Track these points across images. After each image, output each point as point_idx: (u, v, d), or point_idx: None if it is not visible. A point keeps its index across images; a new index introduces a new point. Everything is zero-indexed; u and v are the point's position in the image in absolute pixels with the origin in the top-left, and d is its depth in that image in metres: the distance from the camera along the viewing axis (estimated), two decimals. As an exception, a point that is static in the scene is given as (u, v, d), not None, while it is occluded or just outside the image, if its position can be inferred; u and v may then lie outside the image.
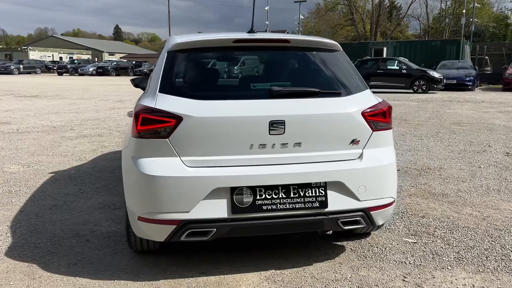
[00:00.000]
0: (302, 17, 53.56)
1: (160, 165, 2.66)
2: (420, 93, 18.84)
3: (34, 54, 59.32)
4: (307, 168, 2.77)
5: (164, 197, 2.64)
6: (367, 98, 2.97)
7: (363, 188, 2.84)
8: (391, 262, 3.11)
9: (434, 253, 3.24)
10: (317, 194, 2.77)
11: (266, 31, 57.98)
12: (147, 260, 3.13)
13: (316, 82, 3.03)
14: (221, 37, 3.02)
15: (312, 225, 2.87)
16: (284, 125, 2.71)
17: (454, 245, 3.37)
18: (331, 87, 2.98)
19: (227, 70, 3.18)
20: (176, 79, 2.90)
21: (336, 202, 2.80)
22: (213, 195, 2.65)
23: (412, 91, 19.17)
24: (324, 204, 2.77)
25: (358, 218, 2.88)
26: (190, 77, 2.96)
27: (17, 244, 3.42)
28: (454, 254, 3.22)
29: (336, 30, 54.48)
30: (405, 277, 2.89)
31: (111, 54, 66.44)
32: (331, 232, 3.56)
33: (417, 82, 18.99)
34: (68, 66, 45.56)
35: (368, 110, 2.89)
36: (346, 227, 2.89)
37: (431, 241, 3.44)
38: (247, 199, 2.69)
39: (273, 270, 2.98)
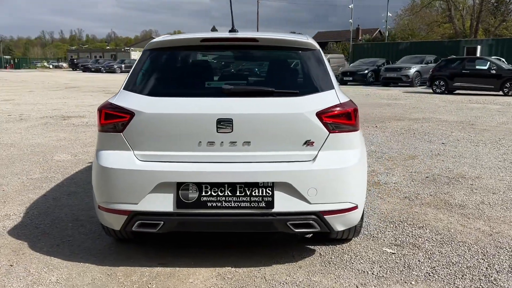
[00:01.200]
0: (395, 14, 51.45)
1: (114, 158, 2.83)
2: (511, 96, 17.16)
3: (135, 54, 63.99)
4: (255, 167, 2.75)
5: (116, 188, 2.80)
6: (328, 99, 2.85)
7: (313, 191, 2.75)
8: (353, 270, 2.97)
9: (406, 266, 3.03)
10: (264, 194, 2.74)
11: (357, 29, 56.25)
12: (120, 247, 3.33)
13: (274, 81, 2.99)
14: (190, 36, 3.10)
15: (261, 225, 2.84)
16: (232, 124, 2.73)
17: (435, 259, 3.12)
18: (287, 87, 2.92)
19: (189, 69, 3.25)
20: (141, 77, 3.05)
21: (283, 203, 2.75)
22: (160, 189, 2.75)
23: (502, 93, 17.52)
24: (270, 204, 2.73)
25: (310, 222, 2.80)
26: (152, 75, 3.08)
27: (22, 223, 3.82)
28: (428, 269, 2.98)
29: (432, 28, 51.37)
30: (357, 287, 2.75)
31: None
32: (310, 235, 3.47)
33: (508, 84, 17.31)
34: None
35: (325, 111, 2.79)
36: (297, 230, 2.82)
37: (411, 253, 3.21)
38: (193, 195, 2.75)
39: (229, 268, 3.00)
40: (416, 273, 2.92)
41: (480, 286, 2.76)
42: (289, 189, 2.74)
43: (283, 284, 2.80)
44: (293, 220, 2.78)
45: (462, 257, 3.14)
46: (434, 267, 3.01)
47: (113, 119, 2.83)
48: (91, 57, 66.85)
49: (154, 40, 3.17)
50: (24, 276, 2.91)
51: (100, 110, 2.88)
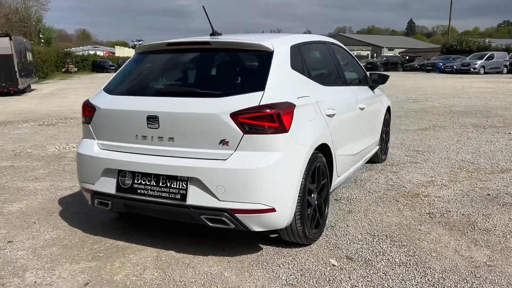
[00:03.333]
0: None
1: (85, 145, 3.42)
2: None
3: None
4: (175, 162, 3.00)
5: (83, 170, 3.40)
6: (249, 100, 2.89)
7: (221, 189, 2.86)
8: (269, 272, 2.95)
9: (324, 279, 2.85)
10: (180, 187, 2.97)
11: None
12: (106, 220, 3.96)
13: (206, 82, 3.16)
14: (159, 41, 3.49)
15: (180, 215, 3.07)
16: (158, 121, 3.03)
17: (370, 279, 2.84)
18: (212, 88, 3.06)
19: (146, 70, 3.59)
20: (114, 77, 3.56)
21: (196, 197, 2.93)
22: (108, 173, 3.24)
23: None
24: (184, 197, 2.95)
25: (223, 218, 2.91)
26: (121, 76, 3.56)
27: (72, 195, 4.78)
28: (346, 285, 2.76)
29: None
30: (254, 289, 2.77)
31: (390, 49, 66.77)
32: (275, 235, 3.49)
33: None
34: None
35: (240, 112, 2.85)
36: (213, 225, 2.97)
37: (351, 269, 2.99)
38: (128, 181, 3.16)
39: (172, 252, 3.30)
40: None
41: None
42: (200, 184, 2.91)
43: (196, 273, 2.98)
44: (206, 214, 2.94)
45: (403, 282, 2.79)
46: (356, 285, 2.77)
47: (86, 113, 3.43)
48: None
49: (139, 45, 3.65)
50: (39, 230, 3.75)
51: (83, 105, 3.51)
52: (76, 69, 47.45)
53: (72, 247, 3.43)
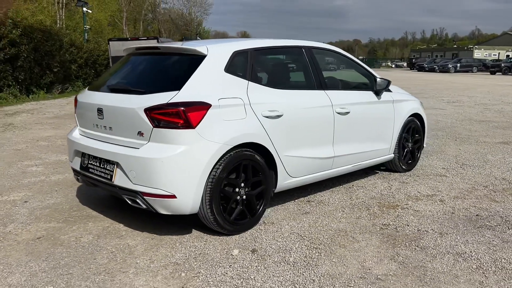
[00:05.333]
0: None
1: (72, 131, 4.22)
2: None
3: (479, 53, 59.44)
4: (109, 147, 3.58)
5: (68, 151, 4.21)
6: (163, 98, 3.31)
7: (133, 173, 3.35)
8: (170, 251, 3.33)
9: (211, 264, 3.13)
10: (111, 169, 3.55)
11: None
12: (105, 196, 4.71)
13: (141, 81, 3.68)
14: (132, 45, 4.10)
15: (114, 192, 3.64)
16: (103, 112, 3.65)
17: (249, 271, 3.04)
18: (141, 86, 3.55)
19: (115, 69, 4.15)
20: (100, 76, 4.28)
21: (119, 179, 3.47)
22: (77, 154, 3.98)
23: None
24: (111, 178, 3.52)
25: (137, 200, 3.41)
26: (104, 75, 4.24)
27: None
28: (227, 272, 3.01)
29: None
30: (125, 271, 3.20)
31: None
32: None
33: None
34: (502, 64, 43.41)
35: (151, 108, 3.29)
36: (132, 204, 3.48)
37: (245, 261, 3.20)
38: (86, 161, 3.85)
39: (120, 225, 3.90)
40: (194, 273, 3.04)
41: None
42: (121, 168, 3.44)
43: (119, 242, 3.52)
44: (126, 195, 3.47)
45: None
46: (227, 272, 3.00)
47: (74, 105, 4.22)
48: (433, 56, 66.49)
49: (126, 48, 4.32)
50: (52, 196, 4.71)
51: (75, 99, 4.32)
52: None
53: (58, 211, 4.26)
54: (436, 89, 21.09)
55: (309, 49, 4.41)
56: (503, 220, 3.97)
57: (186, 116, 3.25)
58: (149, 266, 3.13)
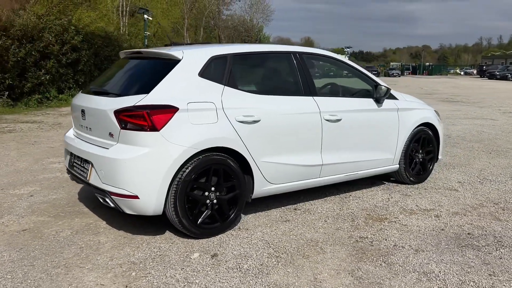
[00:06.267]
0: None
1: (68, 132, 4.45)
2: None
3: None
4: (87, 147, 3.75)
5: (64, 150, 4.46)
6: (131, 100, 3.41)
7: (102, 173, 3.49)
8: (134, 249, 3.41)
9: (167, 265, 3.17)
10: (87, 168, 3.71)
11: None
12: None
13: (116, 84, 3.81)
14: (127, 50, 4.27)
15: (92, 190, 3.78)
16: (85, 114, 3.83)
17: (198, 276, 3.05)
18: (116, 89, 3.67)
19: (107, 73, 4.28)
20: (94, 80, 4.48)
21: (93, 178, 3.62)
22: (67, 153, 4.19)
23: None
24: (87, 176, 3.68)
25: (107, 199, 3.54)
26: (97, 78, 4.43)
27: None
28: (174, 273, 3.05)
29: None
30: (56, 267, 3.30)
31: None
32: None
33: None
34: None
35: (119, 110, 3.41)
36: (104, 203, 3.62)
37: (201, 264, 3.21)
38: (72, 160, 4.04)
39: (103, 222, 4.06)
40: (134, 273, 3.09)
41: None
42: (93, 167, 3.59)
43: (92, 238, 3.66)
44: (98, 193, 3.61)
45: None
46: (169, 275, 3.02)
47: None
48: (506, 63, 62.25)
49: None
50: (57, 192, 5.00)
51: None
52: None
53: (55, 206, 4.50)
54: (498, 98, 19.77)
55: (300, 54, 4.34)
56: (495, 241, 3.66)
57: (151, 119, 3.32)
58: (107, 263, 3.23)
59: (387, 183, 5.40)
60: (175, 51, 3.70)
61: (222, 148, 3.63)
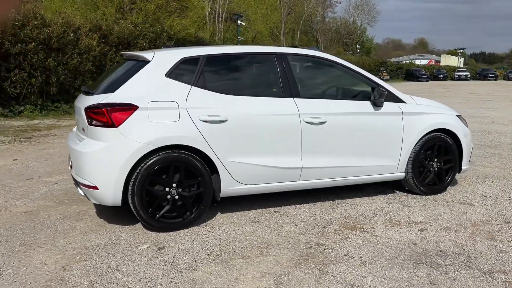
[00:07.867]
0: None
1: (71, 132, 4.90)
2: None
3: None
4: (71, 142, 4.13)
5: (72, 145, 4.94)
6: (98, 99, 3.71)
7: (74, 164, 3.84)
8: (91, 239, 3.70)
9: (112, 253, 3.40)
10: (72, 160, 4.10)
11: None
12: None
13: (97, 84, 4.10)
14: (123, 52, 4.62)
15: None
16: (76, 111, 4.23)
17: (142, 266, 3.23)
18: (93, 88, 3.97)
19: (102, 75, 4.58)
20: None
21: (74, 170, 3.99)
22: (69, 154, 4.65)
23: None
24: (71, 167, 4.07)
25: (79, 188, 3.89)
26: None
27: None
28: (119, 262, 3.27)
29: None
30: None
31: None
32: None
33: None
34: None
35: (87, 108, 3.73)
36: (80, 192, 3.97)
37: (149, 256, 3.39)
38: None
39: (93, 211, 4.44)
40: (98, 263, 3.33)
41: None
42: (71, 159, 3.96)
43: (75, 226, 4.04)
44: (75, 184, 3.97)
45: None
46: (117, 266, 3.23)
47: (80, 106, 4.93)
48: None
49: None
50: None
51: None
52: (388, 77, 49.35)
53: (67, 194, 5.01)
54: None
55: (283, 55, 4.28)
56: (465, 261, 3.27)
57: (110, 116, 3.58)
58: (65, 246, 3.56)
59: (398, 192, 5.04)
60: (147, 53, 3.92)
61: (185, 146, 3.76)
